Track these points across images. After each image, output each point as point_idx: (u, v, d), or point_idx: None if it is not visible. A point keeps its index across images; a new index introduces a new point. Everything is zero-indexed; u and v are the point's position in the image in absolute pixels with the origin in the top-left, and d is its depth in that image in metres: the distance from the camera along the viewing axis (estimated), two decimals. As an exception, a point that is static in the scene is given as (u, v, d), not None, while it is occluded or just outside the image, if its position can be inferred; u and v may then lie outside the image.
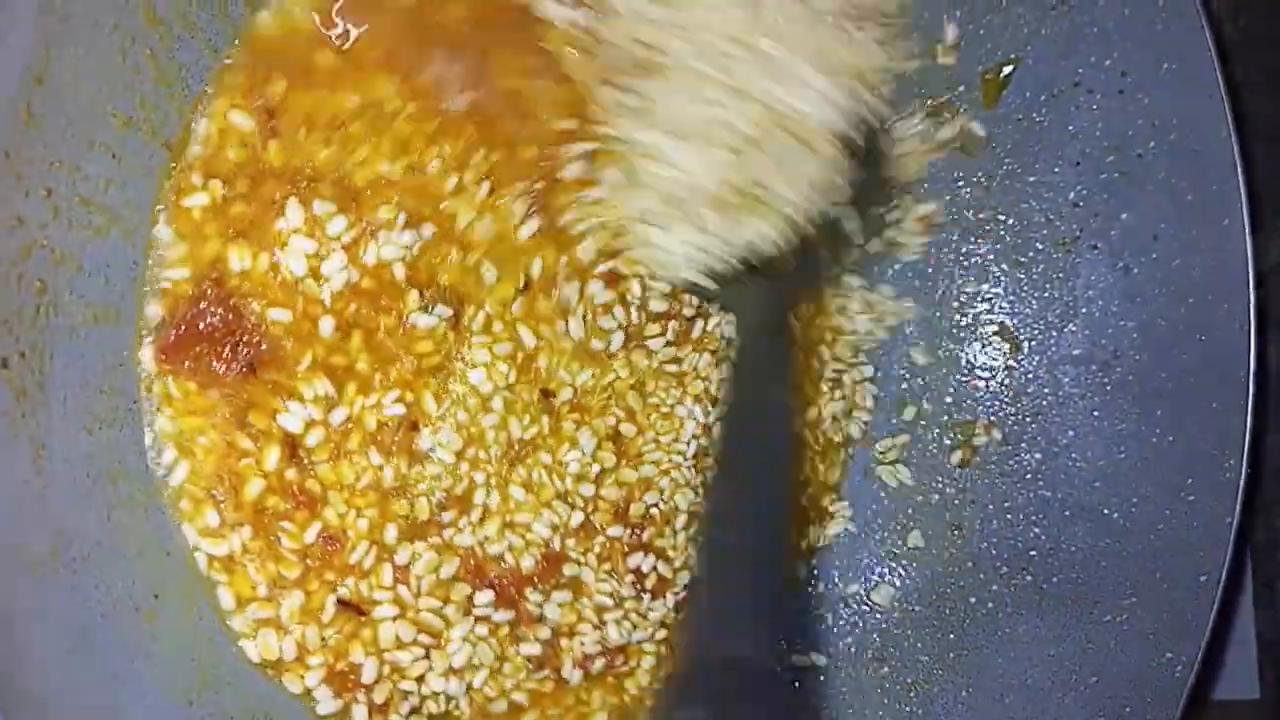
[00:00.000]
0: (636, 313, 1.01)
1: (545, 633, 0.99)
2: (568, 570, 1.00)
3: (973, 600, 1.11)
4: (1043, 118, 1.08)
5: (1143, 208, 1.05)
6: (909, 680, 1.10)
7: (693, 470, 1.05)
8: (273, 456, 0.86)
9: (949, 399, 1.16)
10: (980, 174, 1.12)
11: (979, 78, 1.10)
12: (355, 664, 0.89)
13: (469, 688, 0.97)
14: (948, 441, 1.15)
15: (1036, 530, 1.10)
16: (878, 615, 1.13)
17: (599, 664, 1.01)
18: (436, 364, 0.93)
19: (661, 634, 1.05)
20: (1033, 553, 1.10)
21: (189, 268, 0.83)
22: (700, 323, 1.04)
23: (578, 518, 1.00)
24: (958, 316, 1.15)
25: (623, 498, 1.02)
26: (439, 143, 0.91)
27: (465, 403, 0.94)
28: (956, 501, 1.14)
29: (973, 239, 1.13)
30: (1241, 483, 0.98)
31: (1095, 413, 1.09)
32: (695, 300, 1.03)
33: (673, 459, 1.03)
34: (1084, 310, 1.09)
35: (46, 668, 0.65)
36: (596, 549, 1.01)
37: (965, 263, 1.14)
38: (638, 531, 1.02)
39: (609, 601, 1.02)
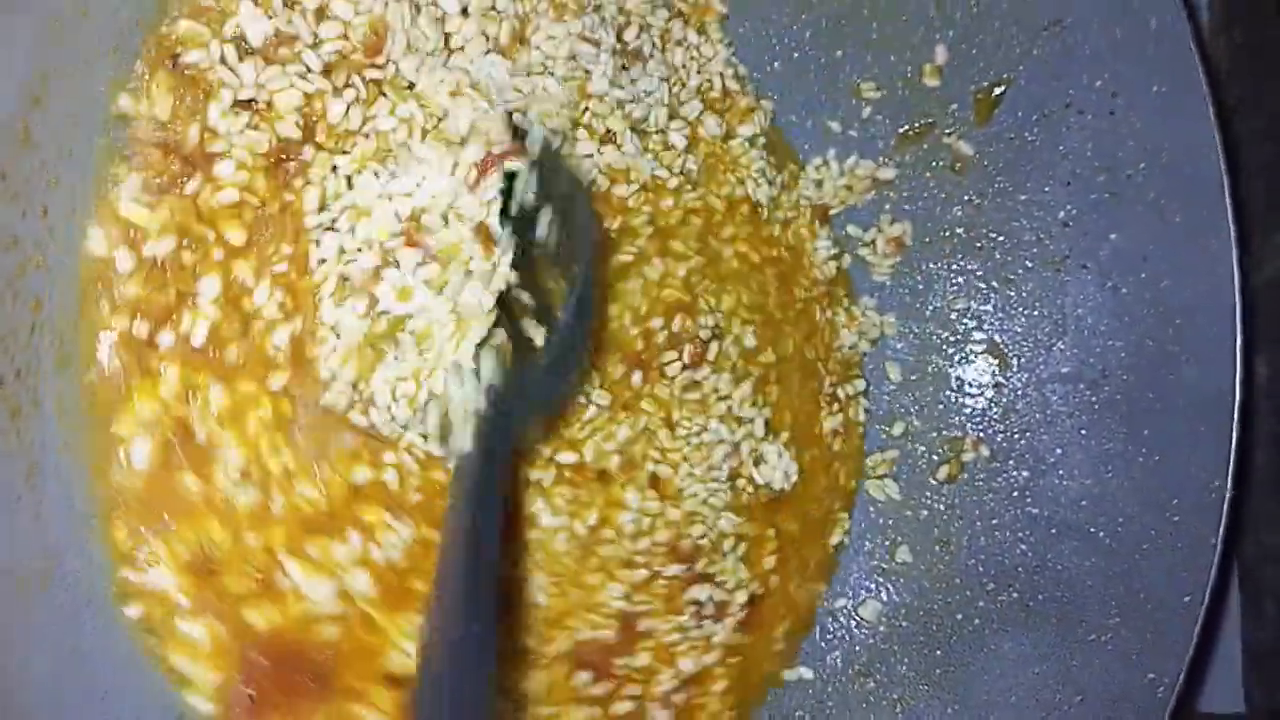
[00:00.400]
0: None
1: (635, 689, 1.00)
2: (641, 625, 1.00)
3: (959, 617, 1.11)
4: (1034, 137, 1.09)
5: (1132, 228, 1.06)
6: (895, 696, 1.10)
7: (730, 492, 1.05)
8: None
9: (937, 415, 1.16)
10: (971, 192, 1.12)
11: (971, 97, 1.10)
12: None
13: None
14: (936, 457, 1.16)
15: (1023, 548, 1.11)
16: (864, 630, 1.14)
17: (680, 698, 1.02)
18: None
19: (732, 659, 1.06)
20: (1019, 570, 1.11)
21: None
22: (715, 344, 1.04)
23: (641, 574, 1.00)
24: (947, 333, 1.16)
25: (672, 537, 1.02)
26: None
27: (543, 549, 0.95)
28: (944, 518, 1.15)
29: (962, 256, 1.14)
30: (1226, 504, 0.99)
31: (1083, 431, 1.10)
32: (710, 322, 1.04)
33: (709, 486, 1.04)
34: (1073, 329, 1.10)
35: (39, 688, 0.65)
36: (659, 593, 1.01)
37: (955, 280, 1.15)
38: (692, 565, 1.02)
39: (677, 637, 1.02)
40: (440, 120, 0.87)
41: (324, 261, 0.85)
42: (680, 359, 1.02)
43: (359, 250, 0.85)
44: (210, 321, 0.80)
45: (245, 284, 0.81)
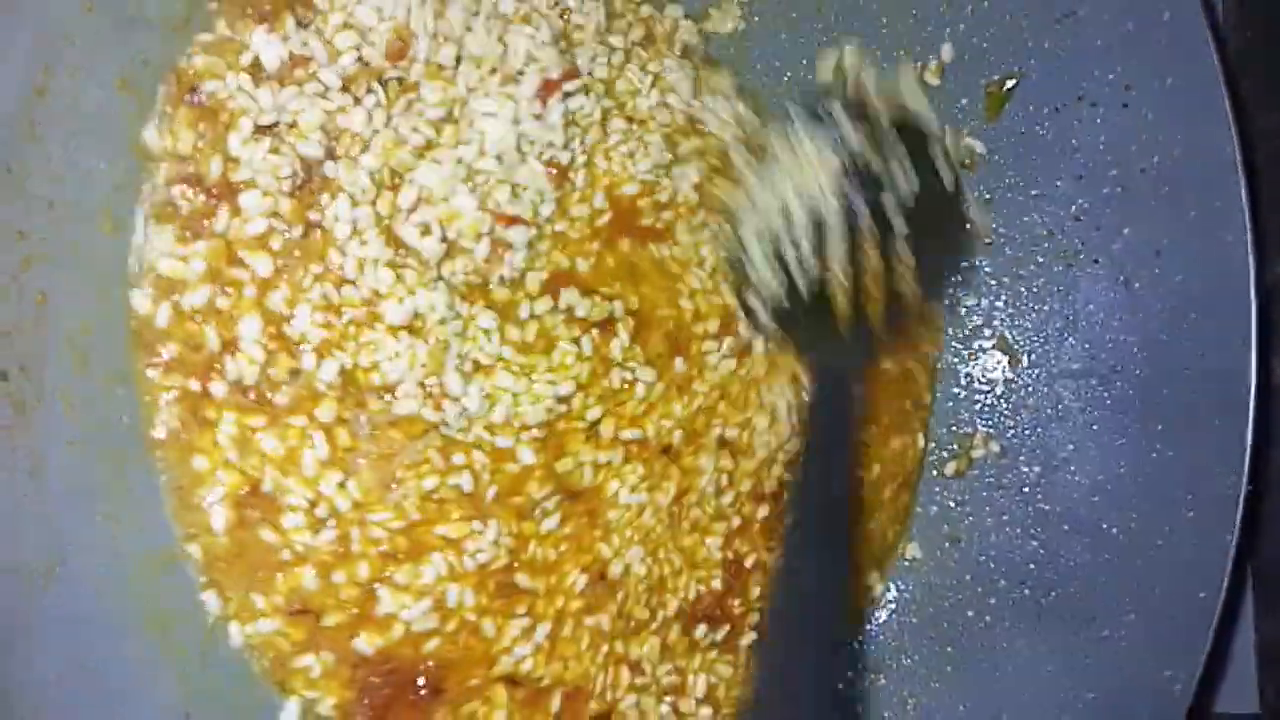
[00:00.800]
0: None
1: (756, 617, 1.02)
2: (748, 562, 1.01)
3: (970, 614, 1.10)
4: (1045, 131, 1.08)
5: (1145, 222, 1.05)
6: (905, 693, 1.09)
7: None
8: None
9: (947, 411, 1.15)
10: (982, 187, 1.11)
11: (982, 90, 1.09)
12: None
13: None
14: (946, 453, 1.15)
15: (1035, 544, 1.10)
16: (875, 627, 1.13)
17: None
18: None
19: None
20: (1030, 567, 1.10)
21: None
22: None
23: (736, 522, 1.01)
24: (957, 329, 1.15)
25: (754, 484, 1.03)
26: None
27: (630, 524, 0.96)
28: (954, 514, 1.14)
29: (972, 252, 1.13)
30: (1242, 499, 0.98)
31: (1095, 427, 1.09)
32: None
33: (780, 435, 1.04)
34: (1084, 324, 1.09)
35: (47, 684, 0.64)
36: (757, 534, 1.02)
37: (965, 275, 1.14)
38: (779, 501, 1.03)
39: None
40: (493, 69, 0.89)
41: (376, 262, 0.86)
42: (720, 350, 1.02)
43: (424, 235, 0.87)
44: (259, 363, 0.82)
45: (282, 313, 0.83)
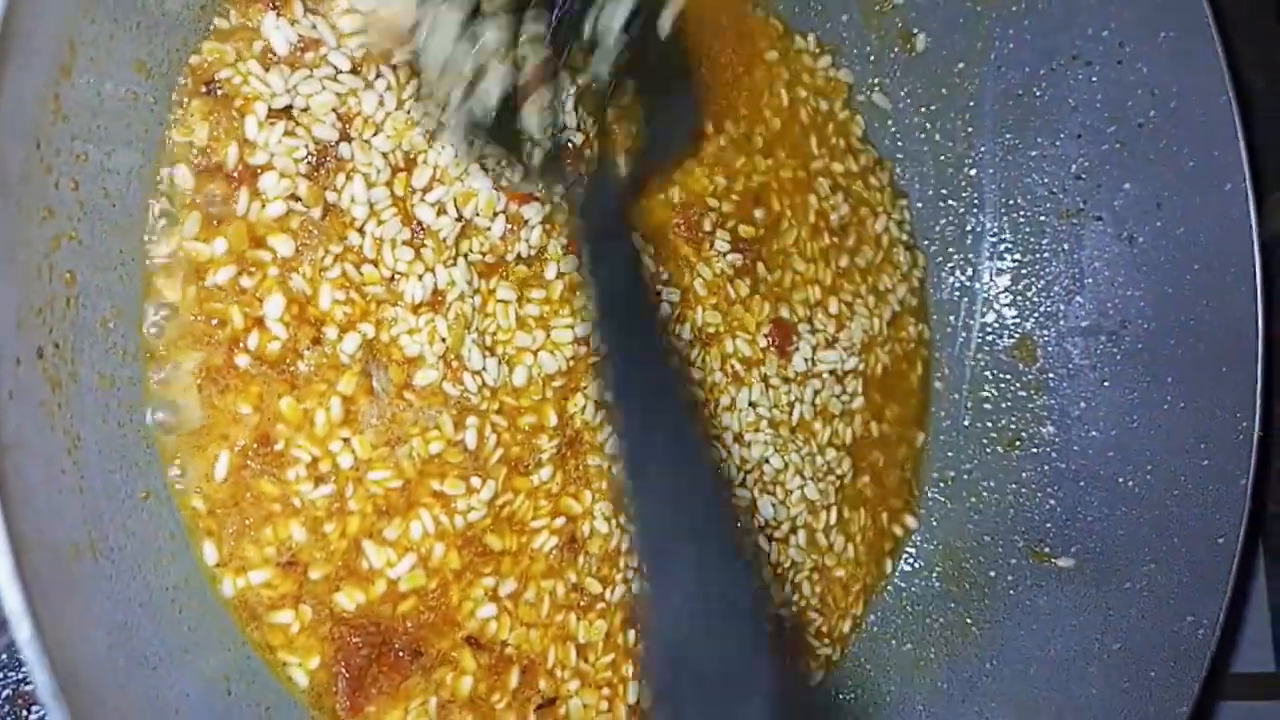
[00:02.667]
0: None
1: None
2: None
3: (991, 574, 1.11)
4: (1042, 92, 1.10)
5: (1145, 177, 1.06)
6: (931, 655, 1.10)
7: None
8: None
9: (960, 378, 1.17)
10: (983, 149, 1.13)
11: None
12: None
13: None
14: (961, 419, 1.16)
15: (1053, 502, 1.11)
16: (899, 591, 1.14)
17: None
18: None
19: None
20: (1049, 525, 1.11)
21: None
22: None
23: None
24: (965, 292, 1.16)
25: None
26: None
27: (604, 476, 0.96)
28: (972, 477, 1.15)
29: (977, 214, 1.14)
30: (1255, 443, 0.99)
31: (1106, 383, 1.10)
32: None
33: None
34: (1090, 281, 1.11)
35: (92, 660, 0.65)
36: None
37: (970, 238, 1.15)
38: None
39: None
40: None
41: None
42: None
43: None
44: (281, 340, 0.82)
45: (305, 293, 0.84)
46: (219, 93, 0.83)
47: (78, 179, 0.70)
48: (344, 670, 0.83)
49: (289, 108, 0.84)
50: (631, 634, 0.95)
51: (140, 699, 0.70)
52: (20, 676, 0.93)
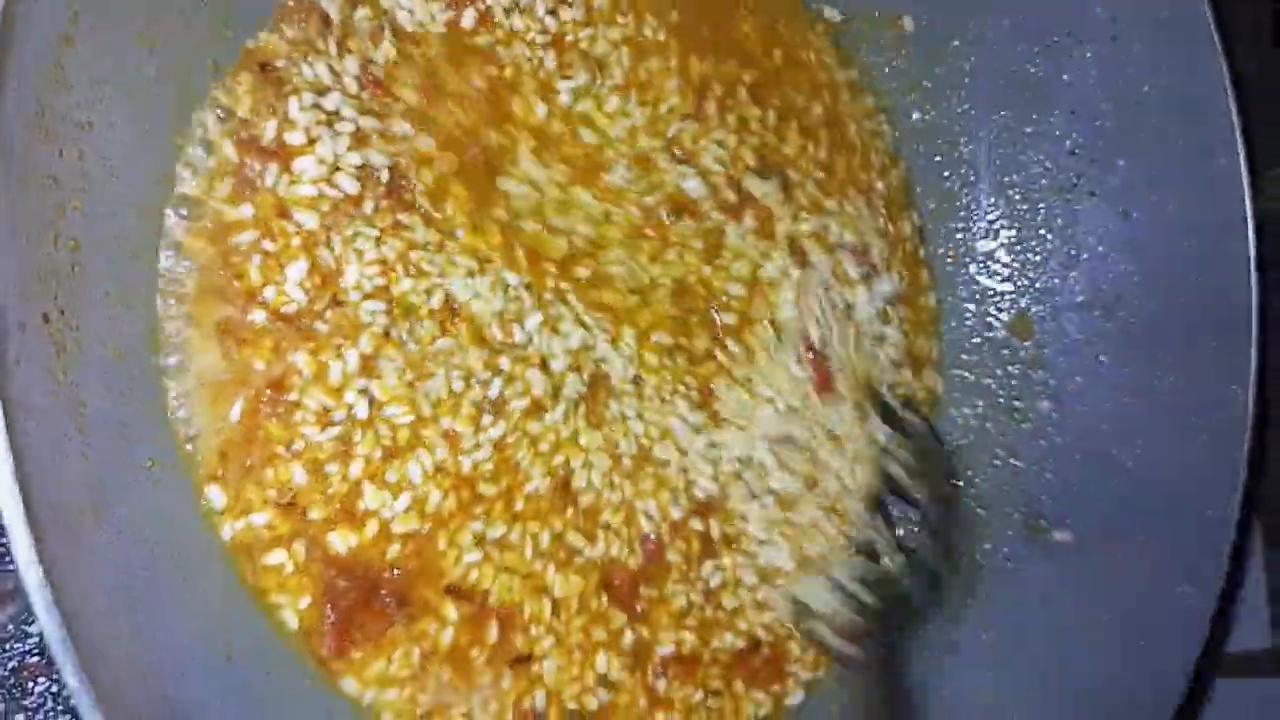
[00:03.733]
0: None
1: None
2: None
3: (988, 546, 1.12)
4: (1037, 69, 1.10)
5: (1139, 153, 1.07)
6: (928, 626, 1.11)
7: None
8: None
9: (957, 353, 1.17)
10: (980, 129, 1.14)
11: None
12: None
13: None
14: (958, 394, 1.17)
15: (1049, 477, 1.12)
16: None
17: None
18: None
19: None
20: (1045, 498, 1.12)
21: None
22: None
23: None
24: (962, 268, 1.17)
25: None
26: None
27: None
28: (969, 452, 1.15)
29: (974, 192, 1.15)
30: (1250, 416, 1.00)
31: (1101, 358, 1.11)
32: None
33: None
34: (1085, 257, 1.12)
35: (95, 619, 0.66)
36: None
37: (966, 216, 1.16)
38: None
39: None
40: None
41: None
42: None
43: None
44: (299, 303, 0.85)
45: (329, 264, 0.87)
46: (271, 73, 0.86)
47: (82, 148, 0.71)
48: (331, 613, 0.84)
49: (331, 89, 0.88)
50: (605, 598, 0.96)
51: (142, 659, 0.71)
52: (25, 649, 0.94)
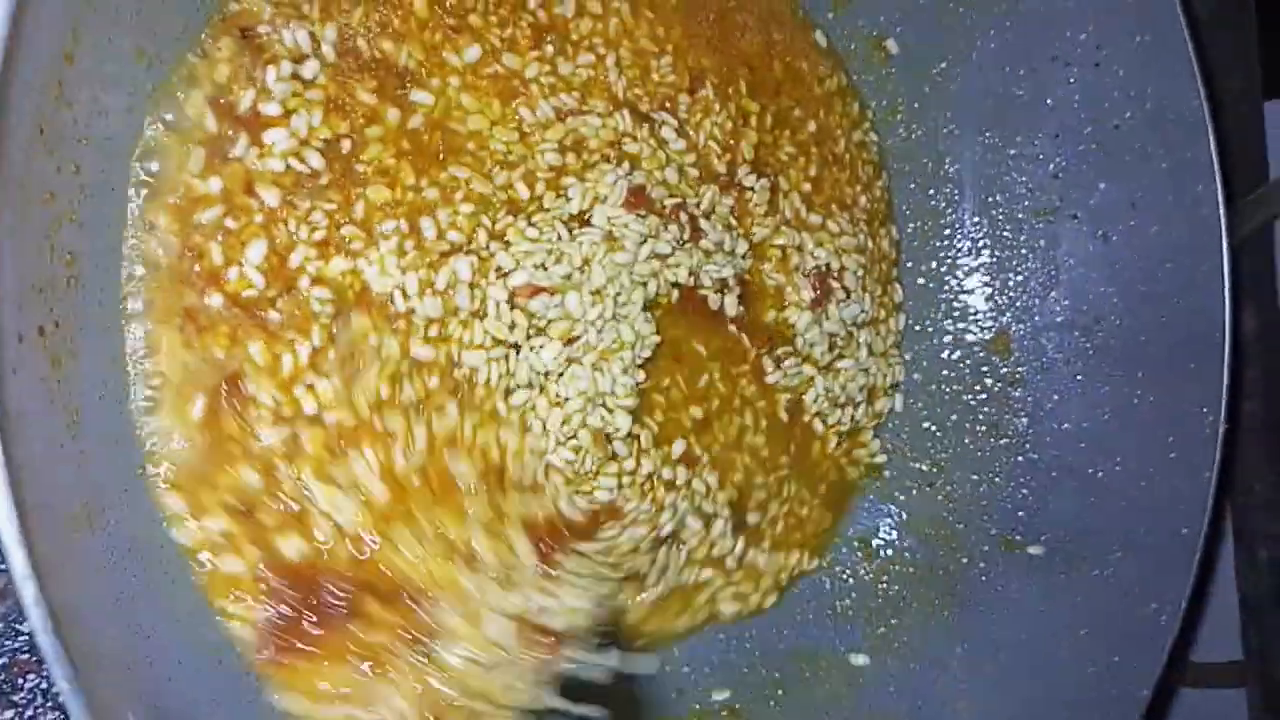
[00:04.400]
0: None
1: None
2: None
3: (964, 561, 1.14)
4: (1022, 92, 1.12)
5: (1120, 177, 1.09)
6: (905, 639, 1.13)
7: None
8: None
9: (934, 369, 1.19)
10: (966, 149, 1.15)
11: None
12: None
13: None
14: (937, 410, 1.19)
15: (1025, 492, 1.14)
16: (871, 577, 1.16)
17: None
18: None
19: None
20: (1020, 514, 1.14)
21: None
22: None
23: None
24: (943, 287, 1.19)
25: None
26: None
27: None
28: (946, 467, 1.17)
29: (958, 212, 1.17)
30: (1220, 437, 1.02)
31: (1079, 377, 1.13)
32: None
33: None
34: (1065, 278, 1.14)
35: (90, 628, 0.67)
36: None
37: (949, 234, 1.18)
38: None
39: None
40: None
41: None
42: None
43: None
44: (256, 288, 0.84)
45: (285, 245, 0.86)
46: (252, 39, 0.85)
47: (79, 163, 0.72)
48: (276, 620, 0.82)
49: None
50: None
51: (133, 662, 0.72)
52: (16, 646, 0.95)
